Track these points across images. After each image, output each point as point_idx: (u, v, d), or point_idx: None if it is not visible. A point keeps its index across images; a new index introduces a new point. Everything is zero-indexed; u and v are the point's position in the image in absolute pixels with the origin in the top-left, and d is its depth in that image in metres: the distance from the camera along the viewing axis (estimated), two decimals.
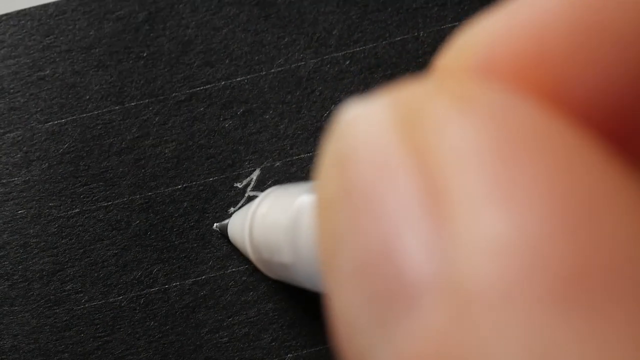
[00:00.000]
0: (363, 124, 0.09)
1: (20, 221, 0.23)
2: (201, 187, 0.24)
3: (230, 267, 0.23)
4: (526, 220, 0.07)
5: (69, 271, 0.23)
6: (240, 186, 0.24)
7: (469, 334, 0.07)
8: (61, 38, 0.24)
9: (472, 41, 0.10)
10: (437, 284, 0.07)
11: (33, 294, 0.23)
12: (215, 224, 0.23)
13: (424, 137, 0.08)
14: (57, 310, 0.23)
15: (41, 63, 0.24)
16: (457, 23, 0.24)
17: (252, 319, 0.23)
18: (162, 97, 0.24)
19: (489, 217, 0.07)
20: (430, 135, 0.08)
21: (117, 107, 0.24)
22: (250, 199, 0.24)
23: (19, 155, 0.24)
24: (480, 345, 0.07)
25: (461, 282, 0.07)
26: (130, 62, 0.24)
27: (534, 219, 0.07)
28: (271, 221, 0.19)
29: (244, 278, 0.23)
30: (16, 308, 0.23)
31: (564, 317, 0.07)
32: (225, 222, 0.23)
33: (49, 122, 0.24)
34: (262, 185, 0.24)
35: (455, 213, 0.08)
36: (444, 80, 0.09)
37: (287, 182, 0.24)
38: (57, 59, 0.24)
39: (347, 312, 0.08)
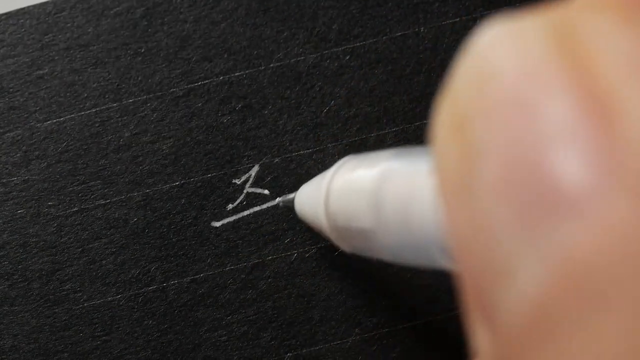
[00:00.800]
0: (511, 41, 0.08)
1: (20, 221, 0.23)
2: (199, 184, 0.23)
3: (228, 265, 0.23)
4: None
5: (67, 270, 0.23)
6: (238, 182, 0.24)
7: None
8: (59, 36, 0.24)
9: None
10: (610, 185, 0.07)
11: (32, 293, 0.23)
12: (278, 199, 0.23)
13: (584, 51, 0.08)
14: (57, 310, 0.23)
15: (40, 62, 0.24)
16: (458, 19, 0.24)
17: (251, 318, 0.23)
18: (160, 94, 0.24)
19: None
20: (590, 48, 0.08)
21: (114, 105, 0.24)
22: (249, 195, 0.23)
23: (18, 155, 0.23)
24: None
25: (636, 179, 0.07)
26: (128, 58, 0.24)
27: None
28: (352, 186, 0.18)
29: (242, 276, 0.23)
30: (16, 308, 0.23)
31: None
32: (291, 195, 0.23)
33: (48, 120, 0.24)
34: (260, 182, 0.24)
35: (624, 120, 0.07)
36: (593, 2, 0.09)
37: (286, 178, 0.24)
38: (56, 58, 0.24)
39: (486, 228, 0.08)
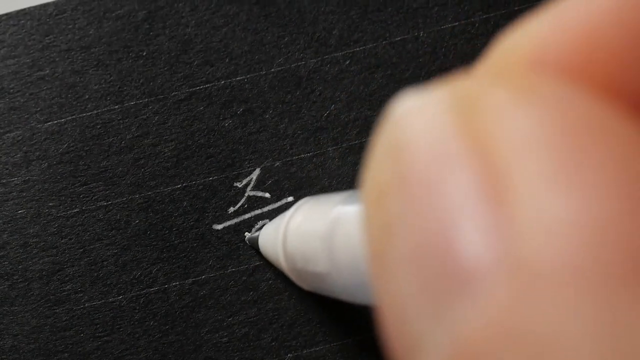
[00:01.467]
0: (419, 114, 0.09)
1: (20, 221, 0.23)
2: (201, 187, 0.23)
3: (230, 267, 0.23)
4: (591, 203, 0.07)
5: (68, 271, 0.23)
6: (240, 186, 0.24)
7: (535, 312, 0.07)
8: (61, 37, 0.24)
9: (523, 38, 0.10)
10: (498, 266, 0.07)
11: (33, 294, 0.23)
12: (245, 235, 0.23)
13: (483, 126, 0.08)
14: (57, 310, 0.22)
15: (41, 63, 0.24)
16: (457, 23, 0.24)
17: (252, 319, 0.23)
18: (161, 97, 0.24)
19: (552, 200, 0.07)
20: (488, 124, 0.08)
21: (116, 107, 0.24)
22: (250, 198, 0.24)
23: (18, 155, 0.23)
24: (548, 322, 0.07)
25: (525, 262, 0.07)
26: (130, 61, 0.24)
27: (599, 201, 0.07)
28: (306, 230, 0.18)
29: (243, 278, 0.23)
30: (16, 308, 0.22)
31: (634, 295, 0.07)
32: (256, 234, 0.23)
33: (49, 121, 0.24)
34: (262, 185, 0.24)
35: (517, 198, 0.08)
36: (498, 73, 0.09)
37: (287, 182, 0.24)
38: (57, 59, 0.24)
39: (399, 300, 0.08)
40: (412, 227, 0.08)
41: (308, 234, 0.18)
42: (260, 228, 0.23)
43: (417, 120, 0.09)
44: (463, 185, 0.08)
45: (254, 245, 0.23)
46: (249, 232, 0.23)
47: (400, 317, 0.08)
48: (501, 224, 0.08)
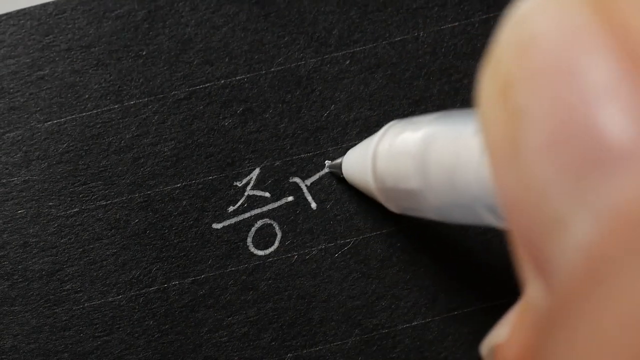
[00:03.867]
0: (551, 5, 0.09)
1: (20, 221, 0.23)
2: (200, 186, 0.23)
3: (229, 266, 0.23)
4: None
5: (68, 270, 0.22)
6: (239, 185, 0.23)
7: None
8: (60, 37, 0.24)
9: None
10: None
11: (33, 293, 0.22)
12: (326, 163, 0.23)
13: (620, 13, 0.08)
14: (57, 310, 0.22)
15: (41, 62, 0.24)
16: (457, 23, 0.24)
17: (251, 319, 0.23)
18: (161, 96, 0.24)
19: None
20: (626, 10, 0.08)
21: (116, 106, 0.23)
22: (250, 197, 0.23)
23: (18, 155, 0.23)
24: None
25: None
26: (130, 60, 0.24)
27: None
28: (398, 149, 0.18)
29: (243, 277, 0.23)
30: (16, 308, 0.22)
31: None
32: (338, 160, 0.23)
33: (49, 121, 0.23)
34: (261, 185, 0.23)
35: None
36: None
37: (286, 181, 0.23)
38: (57, 58, 0.24)
39: (536, 185, 0.08)
40: (549, 113, 0.08)
41: (399, 152, 0.18)
42: (258, 227, 0.23)
43: (549, 13, 0.09)
44: (604, 69, 0.08)
45: (335, 171, 0.23)
46: (330, 160, 0.23)
47: (537, 203, 0.08)
48: None
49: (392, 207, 0.20)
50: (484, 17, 0.24)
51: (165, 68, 0.24)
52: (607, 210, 0.08)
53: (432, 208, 0.17)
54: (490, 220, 0.15)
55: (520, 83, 0.09)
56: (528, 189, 0.09)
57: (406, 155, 0.17)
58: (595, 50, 0.08)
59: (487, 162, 0.10)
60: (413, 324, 0.22)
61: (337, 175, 0.23)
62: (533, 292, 0.09)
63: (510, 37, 0.09)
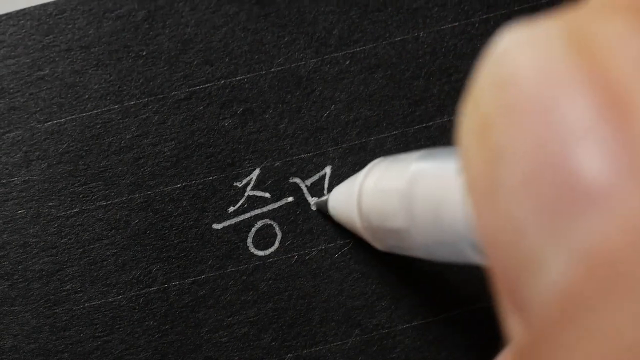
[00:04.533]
0: (529, 44, 0.09)
1: (20, 221, 0.23)
2: (200, 186, 0.23)
3: (229, 267, 0.23)
4: None
5: (68, 271, 0.22)
6: (240, 185, 0.23)
7: None
8: (60, 37, 0.24)
9: None
10: (628, 179, 0.08)
11: (33, 294, 0.22)
12: (312, 201, 0.23)
13: (598, 52, 0.08)
14: (57, 310, 0.22)
15: (41, 62, 0.23)
16: (457, 23, 0.24)
17: (251, 319, 0.22)
18: (161, 96, 0.24)
19: None
20: (604, 49, 0.08)
21: (116, 106, 0.23)
22: (250, 198, 0.23)
23: (18, 155, 0.23)
24: None
25: None
26: (130, 60, 0.24)
27: None
28: (384, 187, 0.18)
29: (243, 277, 0.23)
30: (16, 308, 0.22)
31: None
32: (324, 198, 0.23)
33: (49, 121, 0.23)
34: (261, 185, 0.23)
35: (638, 117, 0.08)
36: (609, 5, 0.09)
37: (286, 181, 0.23)
38: (57, 59, 0.24)
39: (512, 225, 0.08)
40: (526, 152, 0.08)
41: (385, 191, 0.18)
42: (258, 228, 0.23)
43: (527, 51, 0.09)
44: (581, 108, 0.08)
45: (321, 209, 0.23)
46: (317, 197, 0.23)
47: (514, 242, 0.08)
48: (625, 143, 0.08)
49: (379, 245, 0.20)
50: (484, 17, 0.24)
51: (165, 68, 0.24)
52: (581, 250, 0.08)
53: (418, 246, 0.17)
54: (475, 258, 0.15)
55: (498, 122, 0.09)
56: (505, 227, 0.09)
57: (392, 194, 0.17)
58: (572, 88, 0.08)
59: (468, 201, 0.10)
60: (413, 324, 0.22)
61: (323, 213, 0.23)
62: (513, 328, 0.09)
63: (488, 76, 0.09)
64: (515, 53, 0.09)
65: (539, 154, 0.08)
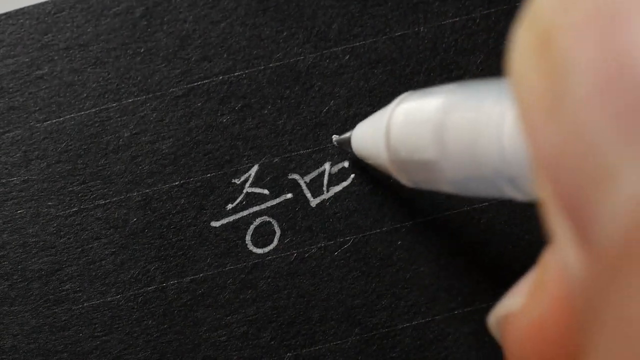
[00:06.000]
0: None
1: (20, 221, 0.23)
2: (199, 184, 0.23)
3: (228, 265, 0.23)
4: None
5: (67, 270, 0.22)
6: (238, 182, 0.23)
7: None
8: (59, 36, 0.23)
9: None
10: None
11: (32, 293, 0.22)
12: (333, 138, 0.23)
13: None
14: (56, 310, 0.22)
15: (39, 61, 0.23)
16: (457, 18, 0.23)
17: (250, 318, 0.22)
18: (159, 93, 0.23)
19: None
20: None
21: (114, 104, 0.23)
22: (249, 195, 0.23)
23: (18, 155, 0.23)
24: None
25: None
26: (128, 58, 0.23)
27: None
28: (413, 119, 0.17)
29: (242, 276, 0.22)
30: (16, 308, 0.22)
31: None
32: (346, 135, 0.22)
33: (48, 120, 0.23)
34: (260, 182, 0.23)
35: None
36: None
37: (284, 177, 0.23)
38: (55, 57, 0.23)
39: (581, 135, 0.08)
40: (598, 60, 0.08)
41: (416, 122, 0.17)
42: (257, 225, 0.23)
43: None
44: None
45: (343, 145, 0.22)
46: (337, 135, 0.23)
47: (583, 155, 0.08)
48: None
49: (405, 179, 0.19)
50: (485, 12, 0.23)
51: (163, 65, 0.23)
52: None
53: (448, 180, 0.16)
54: (510, 193, 0.14)
55: (565, 32, 0.08)
56: (573, 140, 0.08)
57: (423, 125, 0.16)
58: None
59: (517, 123, 0.09)
60: (413, 323, 0.22)
61: (345, 149, 0.22)
62: (568, 260, 0.09)
63: None
64: None
65: (612, 60, 0.08)
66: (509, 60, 0.10)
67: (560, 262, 0.09)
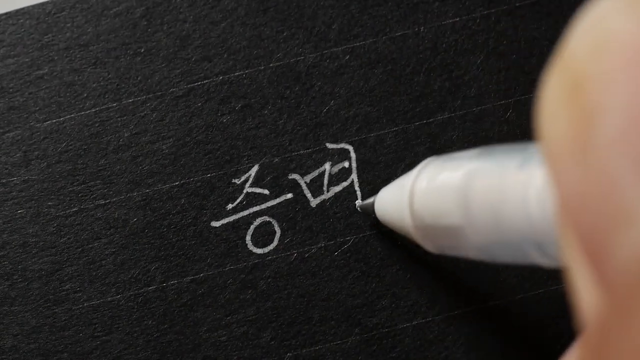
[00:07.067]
0: (628, 5, 0.09)
1: (20, 221, 0.23)
2: (199, 184, 0.23)
3: (228, 265, 0.22)
4: None
5: (67, 270, 0.22)
6: (238, 182, 0.23)
7: None
8: (59, 36, 0.23)
9: None
10: None
11: (32, 293, 0.22)
12: (356, 203, 0.22)
13: None
14: (56, 310, 0.22)
15: (40, 62, 0.23)
16: (458, 18, 0.23)
17: (250, 318, 0.22)
18: (159, 93, 0.23)
19: None
20: None
21: (114, 104, 0.23)
22: (249, 195, 0.23)
23: (18, 155, 0.23)
24: None
25: None
26: (128, 58, 0.23)
27: None
28: (438, 185, 0.17)
29: (242, 276, 0.22)
30: (16, 308, 0.22)
31: None
32: (370, 200, 0.22)
33: (48, 120, 0.23)
34: (260, 182, 0.23)
35: None
36: None
37: (284, 177, 0.23)
38: (56, 57, 0.23)
39: (605, 178, 0.08)
40: (624, 106, 0.08)
41: (439, 188, 0.17)
42: (257, 225, 0.23)
43: (627, 13, 0.09)
44: None
45: (366, 210, 0.22)
46: (360, 200, 0.22)
47: (606, 196, 0.08)
48: None
49: (430, 246, 0.19)
50: (485, 12, 0.23)
51: (163, 65, 0.23)
52: None
53: (473, 246, 0.16)
54: (537, 259, 0.14)
55: (595, 79, 0.09)
56: (596, 182, 0.09)
57: (447, 191, 0.17)
58: None
59: (547, 166, 0.09)
60: (413, 323, 0.22)
61: (368, 215, 0.22)
62: (589, 300, 0.09)
63: (584, 37, 0.09)
64: (614, 15, 0.09)
65: (638, 107, 0.08)
66: (539, 106, 0.10)
67: (586, 304, 0.09)
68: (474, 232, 0.16)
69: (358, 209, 0.22)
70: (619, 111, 0.08)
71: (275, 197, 0.23)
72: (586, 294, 0.09)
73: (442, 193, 0.17)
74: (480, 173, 0.15)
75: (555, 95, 0.09)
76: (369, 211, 0.22)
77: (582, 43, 0.09)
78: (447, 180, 0.17)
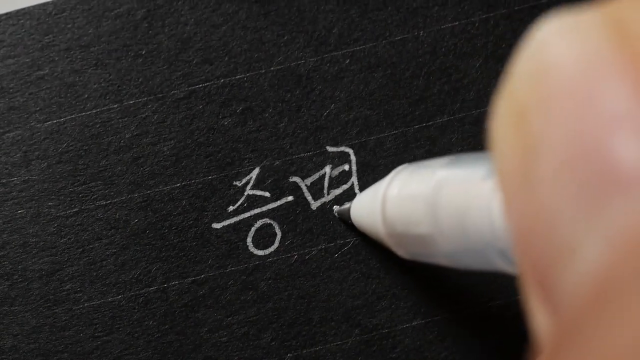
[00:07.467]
0: (569, 33, 0.09)
1: (20, 221, 0.22)
2: (200, 186, 0.23)
3: (229, 266, 0.23)
4: None
5: (68, 270, 0.22)
6: (239, 184, 0.23)
7: None
8: (60, 37, 0.23)
9: None
10: None
11: (32, 293, 0.22)
12: (334, 209, 0.23)
13: (638, 42, 0.08)
14: (57, 310, 0.22)
15: (40, 62, 0.23)
16: (457, 22, 0.23)
17: (251, 318, 0.22)
18: (160, 95, 0.23)
19: None
20: None
21: (115, 106, 0.23)
22: (250, 197, 0.23)
23: (18, 155, 0.23)
24: None
25: None
26: (129, 60, 0.23)
27: None
28: (408, 193, 0.18)
29: (243, 277, 0.22)
30: (16, 308, 0.22)
31: None
32: (345, 206, 0.22)
33: (48, 121, 0.23)
34: (261, 184, 0.23)
35: None
36: None
37: (285, 180, 0.23)
38: (56, 58, 0.23)
39: (546, 212, 0.08)
40: (562, 140, 0.08)
41: (410, 197, 0.18)
42: (258, 227, 0.23)
43: (567, 40, 0.09)
44: (620, 97, 0.08)
45: (343, 216, 0.22)
46: (338, 206, 0.23)
47: (549, 228, 0.08)
48: None
49: (402, 252, 0.20)
50: (484, 16, 0.23)
51: (164, 67, 0.23)
52: (616, 235, 0.08)
53: (442, 253, 0.17)
54: (501, 265, 0.15)
55: (535, 110, 0.09)
56: (539, 216, 0.09)
57: (417, 200, 0.17)
58: (611, 77, 0.08)
59: (499, 197, 0.10)
60: (413, 323, 0.22)
61: (345, 220, 0.23)
62: (541, 325, 0.09)
63: (525, 65, 0.09)
64: (554, 42, 0.09)
65: (576, 142, 0.08)
66: (490, 128, 0.10)
67: (537, 330, 0.09)
68: (442, 240, 0.16)
69: (335, 214, 0.23)
70: (557, 144, 0.08)
71: (276, 200, 0.23)
72: (540, 315, 0.09)
73: (412, 202, 0.17)
74: (448, 182, 0.16)
75: (502, 125, 0.09)
76: (346, 217, 0.22)
77: (523, 71, 0.09)
78: (417, 189, 0.17)
